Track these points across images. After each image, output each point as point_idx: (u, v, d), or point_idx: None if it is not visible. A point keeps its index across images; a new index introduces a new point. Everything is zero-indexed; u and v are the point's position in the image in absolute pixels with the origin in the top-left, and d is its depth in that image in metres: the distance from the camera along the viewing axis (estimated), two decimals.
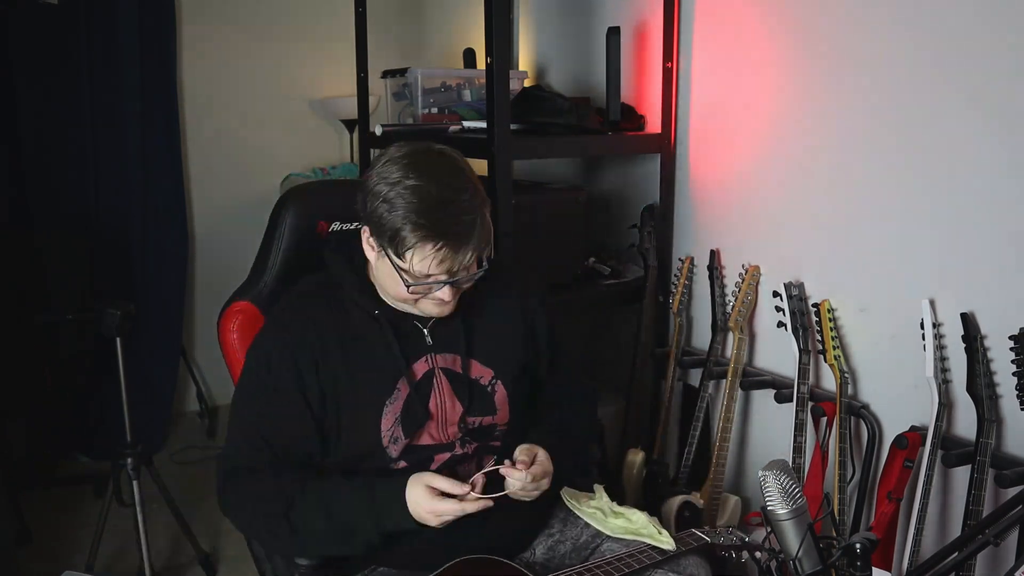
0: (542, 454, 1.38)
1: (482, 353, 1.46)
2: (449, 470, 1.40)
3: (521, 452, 1.37)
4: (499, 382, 1.46)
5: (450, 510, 1.27)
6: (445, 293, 1.32)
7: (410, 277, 1.30)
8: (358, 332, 1.39)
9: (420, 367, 1.41)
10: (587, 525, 1.51)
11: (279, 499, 1.31)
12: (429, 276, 1.29)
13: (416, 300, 1.35)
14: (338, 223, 1.62)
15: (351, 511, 1.30)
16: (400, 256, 1.28)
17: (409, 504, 1.28)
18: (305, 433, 1.36)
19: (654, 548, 1.41)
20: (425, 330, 1.42)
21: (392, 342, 1.38)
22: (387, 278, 1.34)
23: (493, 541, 1.40)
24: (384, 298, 1.41)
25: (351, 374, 1.37)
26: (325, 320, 1.39)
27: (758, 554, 1.06)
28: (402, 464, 1.39)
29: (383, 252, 1.31)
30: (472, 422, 1.43)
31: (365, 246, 1.36)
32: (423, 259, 1.27)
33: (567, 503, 1.54)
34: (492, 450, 1.46)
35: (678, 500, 2.12)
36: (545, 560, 1.49)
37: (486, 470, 1.36)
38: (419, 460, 1.39)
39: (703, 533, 1.47)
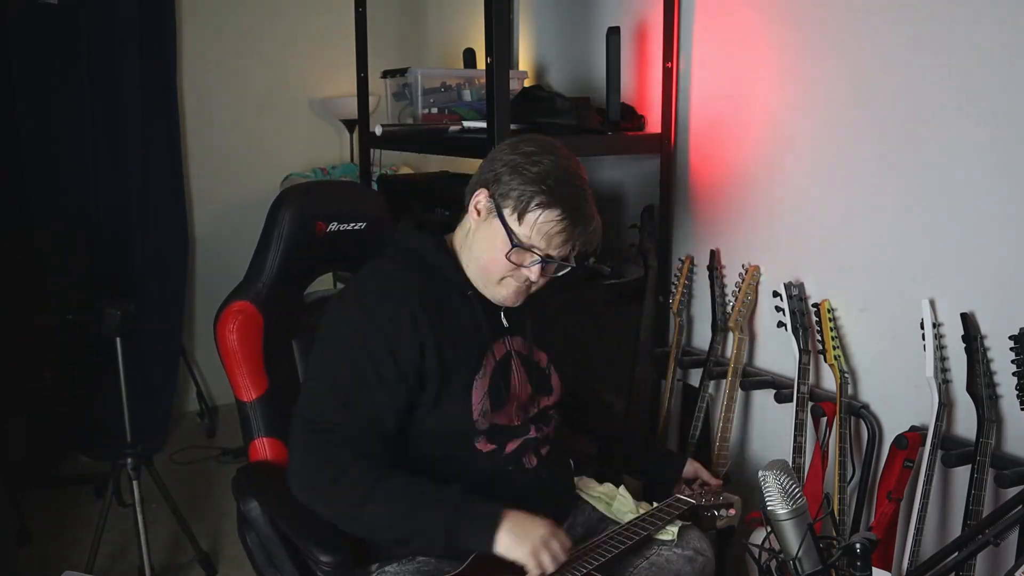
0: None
1: (540, 338, 1.54)
2: (523, 452, 1.47)
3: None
4: (553, 367, 1.54)
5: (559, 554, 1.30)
6: (535, 272, 1.37)
7: (515, 240, 1.34)
8: (450, 306, 1.43)
9: (499, 348, 1.47)
10: (595, 508, 1.59)
11: (356, 485, 1.30)
12: (533, 247, 1.34)
13: (501, 277, 1.39)
14: (336, 223, 1.61)
15: (425, 518, 1.30)
16: (521, 217, 1.33)
17: (534, 526, 1.30)
18: (394, 404, 1.36)
19: (658, 514, 1.51)
20: (502, 312, 1.49)
21: (481, 319, 1.44)
22: (483, 242, 1.39)
23: None
24: (471, 279, 1.44)
25: (443, 346, 1.39)
26: (420, 291, 1.41)
27: (754, 545, 1.05)
28: (485, 444, 1.43)
29: (495, 214, 1.35)
30: (538, 401, 1.51)
31: (472, 211, 1.41)
32: (545, 223, 1.33)
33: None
34: (548, 439, 1.54)
35: None
36: None
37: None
38: (499, 443, 1.44)
39: (687, 496, 1.59)
